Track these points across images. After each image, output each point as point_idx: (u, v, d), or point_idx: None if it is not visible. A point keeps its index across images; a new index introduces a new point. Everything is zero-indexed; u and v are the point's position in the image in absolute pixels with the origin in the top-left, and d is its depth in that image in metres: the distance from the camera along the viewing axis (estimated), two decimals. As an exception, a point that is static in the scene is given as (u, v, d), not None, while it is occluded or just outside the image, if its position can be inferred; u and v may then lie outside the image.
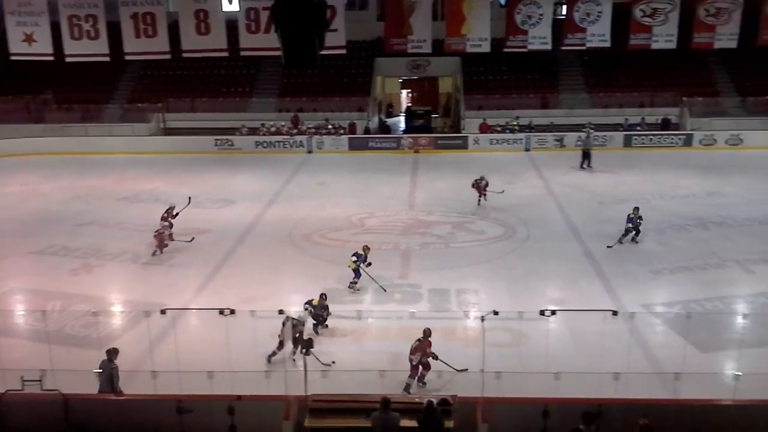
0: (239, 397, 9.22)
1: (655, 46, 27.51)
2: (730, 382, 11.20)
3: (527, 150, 31.35)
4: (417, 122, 35.25)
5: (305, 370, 9.77)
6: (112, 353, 10.66)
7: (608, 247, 18.08)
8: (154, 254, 17.93)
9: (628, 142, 31.49)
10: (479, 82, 35.28)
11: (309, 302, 13.40)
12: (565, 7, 28.22)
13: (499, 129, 32.52)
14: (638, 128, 32.02)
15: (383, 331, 13.92)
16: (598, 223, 20.52)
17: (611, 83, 34.72)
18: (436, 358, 11.61)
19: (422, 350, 11.45)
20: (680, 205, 21.99)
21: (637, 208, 18.60)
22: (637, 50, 28.27)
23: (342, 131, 32.58)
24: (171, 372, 10.83)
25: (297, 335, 11.97)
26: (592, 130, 30.69)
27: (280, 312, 11.17)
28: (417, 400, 9.44)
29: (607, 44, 27.65)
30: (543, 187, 25.10)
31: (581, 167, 27.81)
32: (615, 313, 11.98)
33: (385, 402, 8.73)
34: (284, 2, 6.27)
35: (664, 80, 33.68)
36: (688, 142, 31.38)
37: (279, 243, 19.32)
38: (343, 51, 25.80)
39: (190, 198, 20.21)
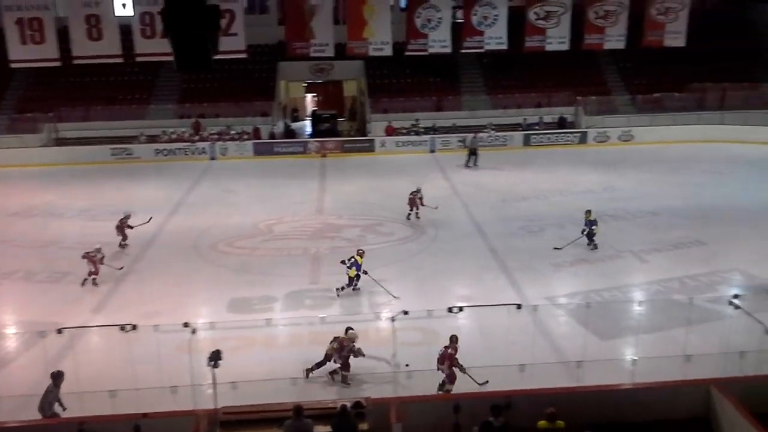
0: (145, 415, 8.87)
1: (549, 47, 28.76)
2: (628, 366, 11.77)
3: (432, 151, 31.88)
4: (323, 126, 35.12)
5: (214, 383, 9.52)
6: (56, 377, 10.16)
7: (555, 248, 18.20)
8: (94, 282, 16.28)
9: (527, 141, 32.58)
10: (383, 85, 35.56)
11: (335, 338, 12.05)
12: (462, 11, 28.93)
13: (404, 131, 32.92)
14: (536, 127, 33.19)
15: (294, 338, 13.75)
16: (501, 220, 21.17)
17: (509, 84, 35.80)
18: (463, 370, 11.14)
19: (449, 359, 11.11)
20: (578, 200, 22.85)
21: (588, 211, 18.36)
22: (533, 52, 29.41)
23: (246, 137, 32.06)
24: (71, 393, 10.33)
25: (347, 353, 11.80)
26: (493, 130, 31.73)
27: (185, 325, 10.79)
28: (330, 405, 9.38)
29: (504, 47, 28.63)
30: (449, 188, 25.56)
31: (466, 165, 28.63)
32: (519, 306, 12.33)
33: (298, 409, 8.64)
34: (174, 5, 6.10)
35: (559, 80, 35.00)
36: (583, 139, 32.84)
37: (183, 254, 18.79)
38: (244, 55, 25.51)
39: (150, 218, 19.75)
